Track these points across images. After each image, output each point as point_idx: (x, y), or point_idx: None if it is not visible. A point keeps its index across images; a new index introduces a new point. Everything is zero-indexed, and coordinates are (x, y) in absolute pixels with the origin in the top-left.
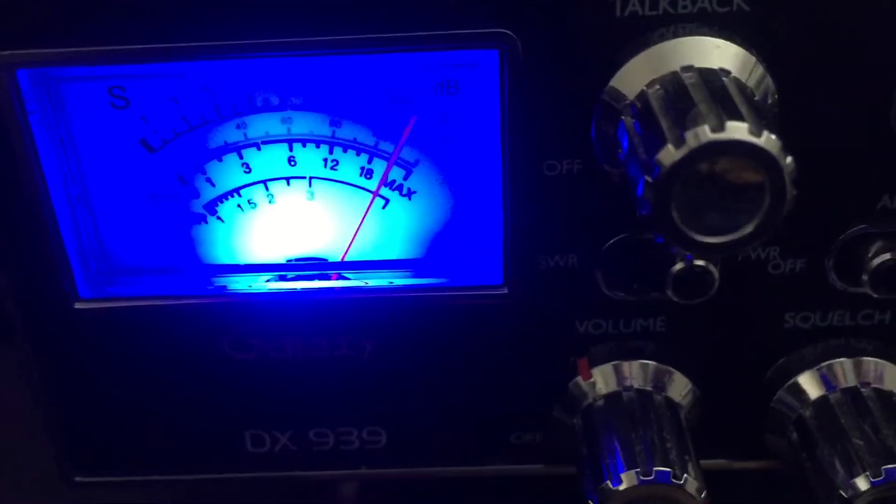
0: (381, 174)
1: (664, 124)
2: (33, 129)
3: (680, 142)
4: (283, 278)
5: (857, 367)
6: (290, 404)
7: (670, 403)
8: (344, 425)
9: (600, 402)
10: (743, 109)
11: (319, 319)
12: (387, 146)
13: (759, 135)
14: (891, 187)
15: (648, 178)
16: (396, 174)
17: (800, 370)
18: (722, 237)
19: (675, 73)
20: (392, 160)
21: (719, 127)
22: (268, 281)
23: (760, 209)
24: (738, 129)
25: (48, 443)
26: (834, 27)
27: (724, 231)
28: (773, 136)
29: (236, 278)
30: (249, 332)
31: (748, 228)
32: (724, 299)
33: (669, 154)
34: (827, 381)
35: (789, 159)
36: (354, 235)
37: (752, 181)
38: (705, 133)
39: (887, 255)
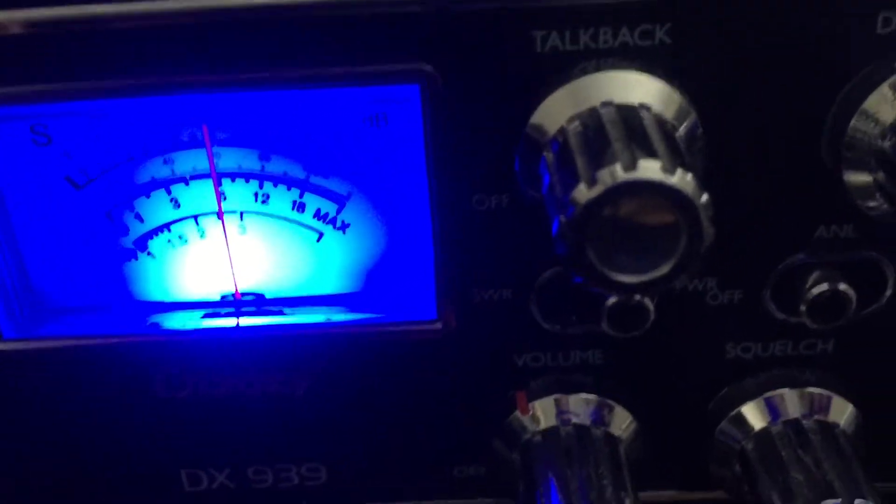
0: (315, 208)
1: (580, 162)
2: None
3: (593, 181)
4: (216, 315)
5: (801, 398)
6: (226, 442)
7: (609, 438)
8: (282, 462)
9: (538, 438)
10: (659, 147)
11: (254, 356)
12: (318, 180)
13: (672, 173)
14: (826, 218)
15: (563, 218)
16: (329, 207)
17: (743, 401)
18: (639, 276)
19: (593, 109)
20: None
21: (631, 165)
22: (201, 318)
23: (677, 249)
24: (650, 169)
25: None
26: (759, 59)
27: (642, 270)
28: (689, 176)
29: (169, 316)
30: (183, 370)
31: (665, 268)
32: (663, 331)
33: (582, 193)
34: (771, 411)
35: (705, 197)
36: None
37: (667, 221)
38: (618, 172)
39: (825, 286)
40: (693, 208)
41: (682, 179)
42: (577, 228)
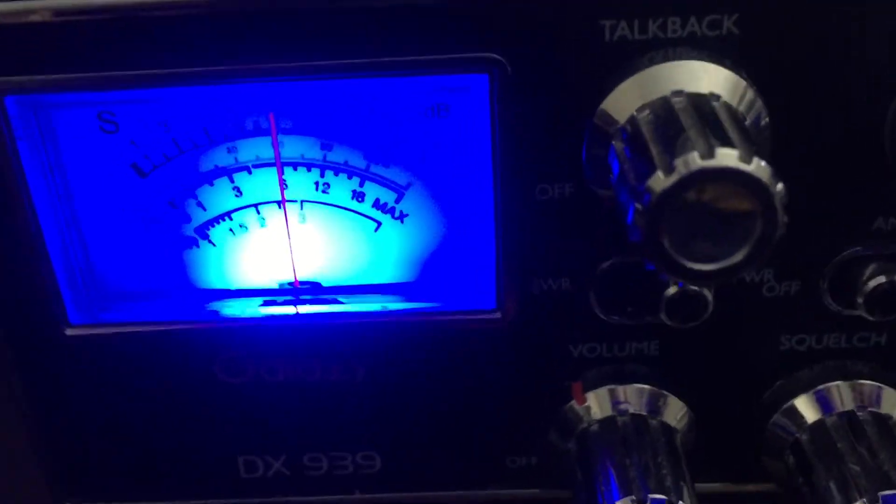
0: (374, 197)
1: (654, 150)
2: (21, 155)
3: (670, 169)
4: (274, 303)
5: (854, 390)
6: (283, 429)
7: (665, 428)
8: (338, 450)
9: (595, 427)
10: (733, 135)
11: (312, 344)
12: (378, 169)
13: (749, 161)
14: (885, 209)
15: (638, 206)
16: (388, 197)
17: (796, 393)
18: (713, 264)
19: (665, 98)
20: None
21: (709, 154)
22: (260, 305)
23: (752, 236)
24: (728, 156)
25: (38, 469)
26: (825, 50)
27: (716, 258)
28: (764, 163)
29: (228, 303)
30: (242, 356)
31: (739, 256)
32: (718, 322)
33: (659, 181)
34: (823, 404)
35: (780, 186)
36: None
37: (743, 208)
38: (695, 160)
39: (882, 278)
40: (769, 196)
41: (758, 167)
42: (653, 216)
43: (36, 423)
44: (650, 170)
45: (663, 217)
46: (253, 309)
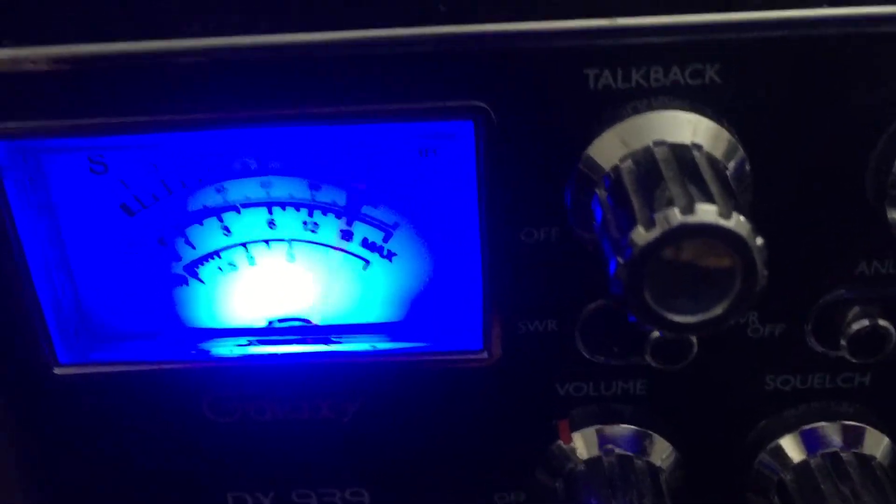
0: (362, 236)
1: (636, 204)
2: (9, 196)
3: (650, 223)
4: (263, 342)
5: (838, 431)
6: (272, 466)
7: (651, 468)
8: (326, 486)
9: (581, 467)
10: (713, 189)
11: (300, 383)
12: (367, 209)
13: (728, 217)
14: (867, 253)
15: (620, 260)
16: (376, 236)
17: (781, 433)
18: (695, 317)
19: (647, 148)
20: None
21: (689, 209)
22: (248, 344)
23: (732, 290)
24: (707, 212)
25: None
26: (805, 97)
27: (697, 311)
28: (743, 219)
29: (217, 342)
30: (230, 395)
31: (719, 309)
32: (703, 364)
33: (641, 235)
34: (808, 444)
35: (760, 241)
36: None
37: (722, 264)
38: (675, 215)
39: (865, 321)
40: (748, 251)
41: (738, 223)
42: (634, 269)
43: (25, 460)
44: (631, 223)
45: (645, 271)
46: (241, 348)
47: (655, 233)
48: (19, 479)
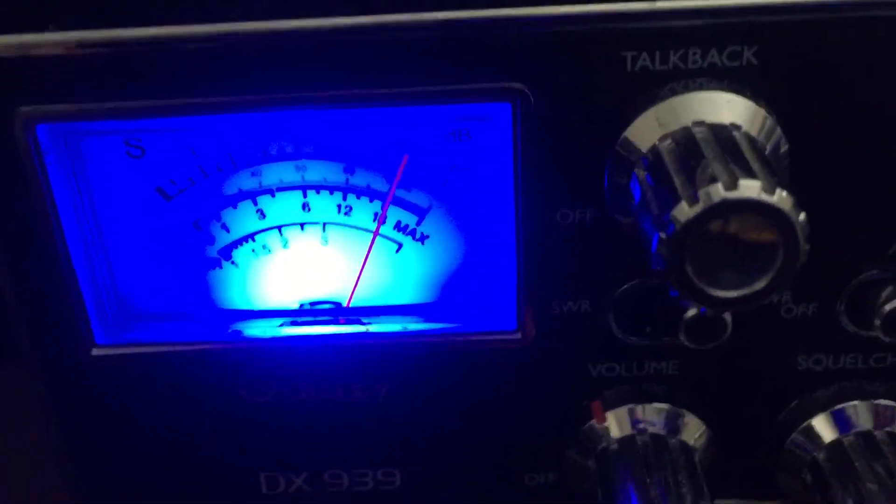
0: (395, 219)
1: (677, 181)
2: (51, 179)
3: (694, 199)
4: (296, 323)
5: (870, 410)
6: (304, 446)
7: (684, 447)
8: (358, 467)
9: (615, 446)
10: (755, 166)
11: (334, 363)
12: (400, 192)
13: (772, 192)
14: None
15: (663, 235)
16: (409, 219)
17: (813, 413)
18: (736, 291)
19: (686, 128)
20: (387, 202)
21: (732, 185)
22: (282, 326)
23: (774, 264)
24: (751, 188)
25: (64, 485)
26: (842, 78)
27: (738, 286)
28: (786, 194)
29: (251, 323)
30: (264, 376)
31: (762, 283)
32: (736, 343)
33: (684, 211)
34: (840, 423)
35: (802, 216)
36: (358, 279)
37: (765, 238)
38: (718, 191)
39: None
40: (791, 226)
41: (781, 198)
42: (677, 245)
43: (62, 440)
44: (674, 200)
45: (687, 246)
46: (275, 329)
47: (699, 208)
48: (57, 459)
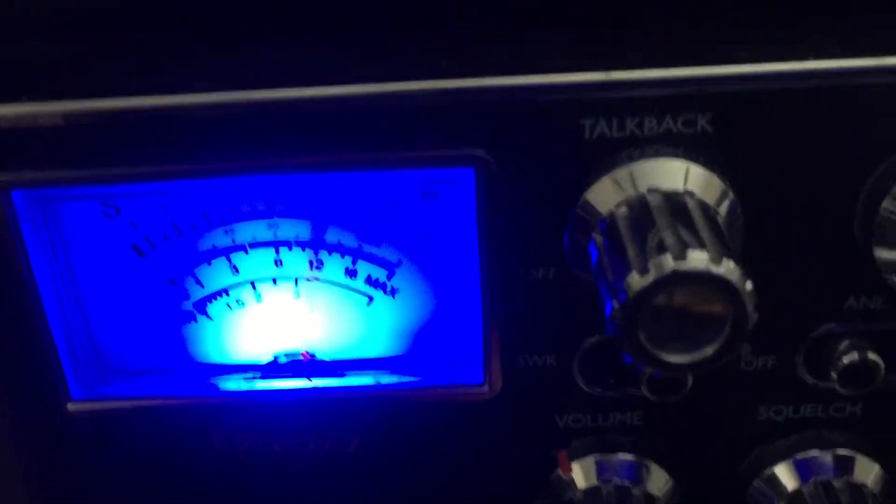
0: (365, 273)
1: (630, 250)
2: (25, 240)
3: (644, 270)
4: (269, 376)
5: (830, 459)
6: (279, 496)
7: (648, 497)
8: None
9: (580, 496)
10: (704, 234)
11: (306, 416)
12: (370, 248)
13: (719, 263)
14: (856, 289)
15: (615, 303)
16: (379, 273)
17: (775, 461)
18: (687, 357)
19: (641, 196)
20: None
21: (681, 255)
22: (255, 378)
23: (723, 333)
24: (699, 259)
25: None
26: (794, 143)
27: (690, 350)
28: (733, 264)
29: (225, 378)
30: (238, 428)
31: (711, 350)
32: (698, 395)
33: (635, 280)
34: (801, 471)
35: (749, 285)
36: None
37: (715, 309)
38: (668, 262)
39: (855, 354)
40: (738, 296)
41: (728, 269)
42: (629, 313)
43: (38, 493)
44: (626, 268)
45: (639, 314)
46: (249, 383)
47: (649, 278)
48: None
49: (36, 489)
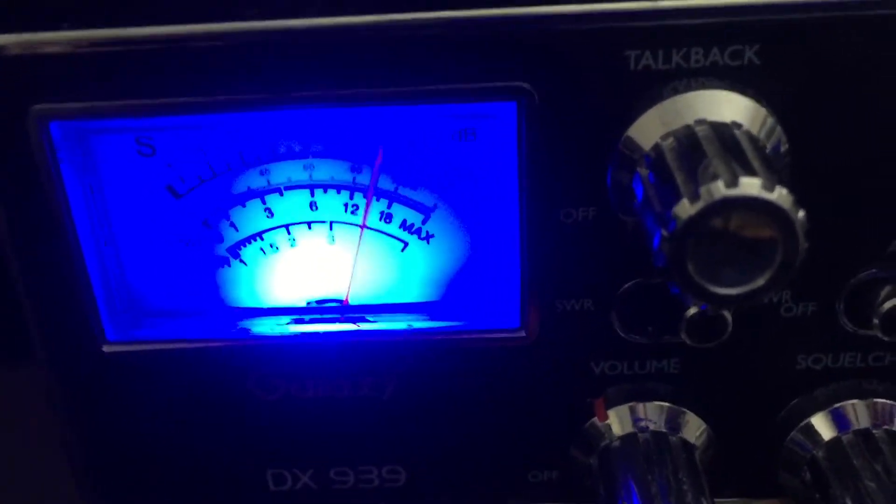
0: (401, 218)
1: (679, 178)
2: (64, 177)
3: (695, 197)
4: (303, 321)
5: (869, 409)
6: (311, 443)
7: (685, 444)
8: (364, 464)
9: (616, 444)
10: (755, 164)
11: (341, 361)
12: (406, 191)
13: (771, 190)
14: None
15: (664, 232)
16: (415, 218)
17: (812, 411)
18: (736, 289)
19: (688, 127)
20: (369, 197)
21: (733, 182)
22: (289, 323)
23: (774, 262)
24: (751, 185)
25: (73, 481)
26: (843, 78)
27: (739, 283)
28: (786, 191)
29: (259, 321)
30: (273, 373)
31: (761, 280)
32: (736, 342)
33: (685, 208)
34: (839, 422)
35: (802, 213)
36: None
37: (765, 236)
38: (719, 188)
39: None
40: (791, 224)
41: (781, 196)
42: (678, 242)
43: (73, 435)
44: (675, 197)
45: (688, 243)
46: (283, 327)
47: (700, 205)
48: (67, 455)
49: (71, 430)
